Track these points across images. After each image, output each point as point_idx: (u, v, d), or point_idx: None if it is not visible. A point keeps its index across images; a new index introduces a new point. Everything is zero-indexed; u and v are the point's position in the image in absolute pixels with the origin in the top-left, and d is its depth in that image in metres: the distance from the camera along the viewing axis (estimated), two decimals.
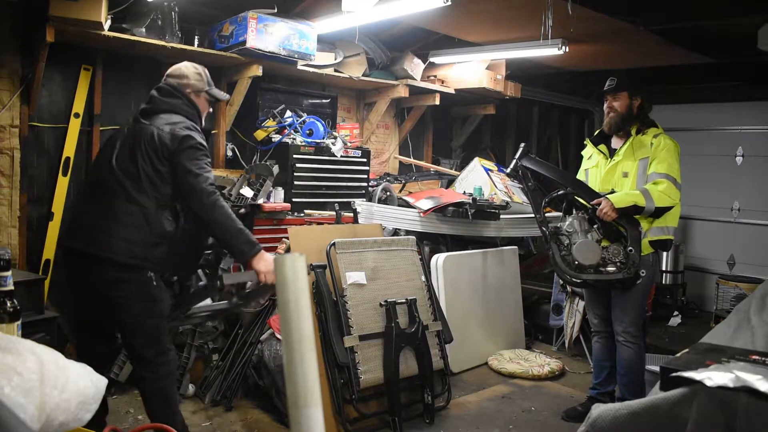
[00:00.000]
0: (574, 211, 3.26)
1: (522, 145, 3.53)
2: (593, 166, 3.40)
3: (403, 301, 3.32)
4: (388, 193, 4.59)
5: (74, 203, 3.42)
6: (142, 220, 2.39)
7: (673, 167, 3.12)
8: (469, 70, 4.95)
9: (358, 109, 5.22)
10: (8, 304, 1.29)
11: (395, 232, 4.28)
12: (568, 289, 4.37)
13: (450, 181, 5.47)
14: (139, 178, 2.40)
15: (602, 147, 3.38)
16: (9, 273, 1.31)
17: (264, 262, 2.46)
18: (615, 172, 3.26)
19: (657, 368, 2.74)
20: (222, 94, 2.80)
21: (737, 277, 5.72)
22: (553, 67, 5.39)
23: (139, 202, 2.39)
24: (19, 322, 1.31)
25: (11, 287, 1.30)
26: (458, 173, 5.41)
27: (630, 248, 3.09)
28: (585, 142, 3.52)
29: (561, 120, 7.21)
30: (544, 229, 3.27)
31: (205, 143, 2.56)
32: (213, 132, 4.31)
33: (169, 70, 2.68)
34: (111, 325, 2.57)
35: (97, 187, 2.50)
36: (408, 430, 3.16)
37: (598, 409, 1.64)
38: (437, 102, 5.11)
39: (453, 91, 5.09)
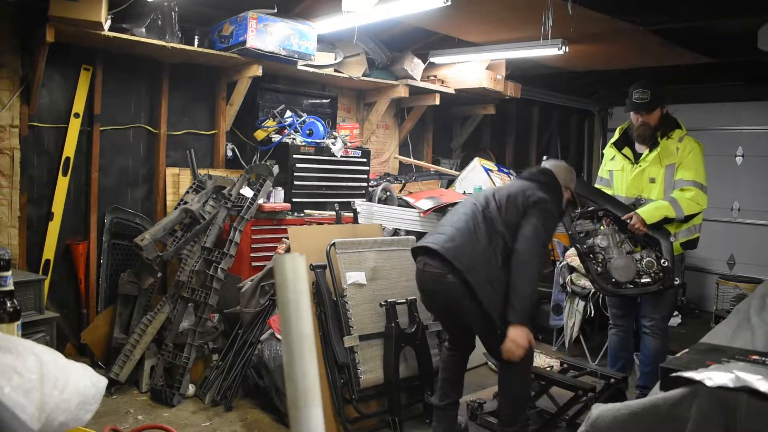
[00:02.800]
0: (603, 224, 3.26)
1: (545, 159, 3.60)
2: (618, 170, 3.39)
3: (403, 301, 3.32)
4: (388, 193, 4.59)
5: None
6: None
7: (700, 171, 3.14)
8: (469, 70, 4.95)
9: (358, 109, 5.22)
10: (8, 304, 1.29)
11: (395, 232, 4.27)
12: (568, 289, 4.37)
13: (450, 181, 5.47)
14: None
15: (627, 151, 3.35)
16: (9, 273, 1.31)
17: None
18: (642, 178, 3.25)
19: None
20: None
21: (737, 277, 5.72)
22: (553, 67, 5.38)
23: None
24: (19, 322, 1.31)
25: (11, 287, 1.30)
26: (458, 173, 5.41)
27: (664, 260, 3.09)
28: (607, 147, 3.50)
29: (561, 120, 7.21)
30: (578, 246, 3.29)
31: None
32: (213, 132, 4.32)
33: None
34: None
35: None
36: (408, 430, 3.15)
37: (598, 409, 1.64)
38: (437, 102, 5.11)
39: (453, 91, 5.09)
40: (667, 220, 3.11)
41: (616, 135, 3.47)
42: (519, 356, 2.51)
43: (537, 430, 3.07)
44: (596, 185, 3.55)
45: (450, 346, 2.98)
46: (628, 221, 3.13)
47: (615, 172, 3.41)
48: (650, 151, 3.21)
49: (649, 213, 3.10)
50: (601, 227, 3.27)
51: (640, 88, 3.25)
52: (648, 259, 3.14)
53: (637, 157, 3.31)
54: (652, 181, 3.22)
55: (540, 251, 2.64)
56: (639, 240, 3.18)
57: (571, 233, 3.34)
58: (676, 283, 3.12)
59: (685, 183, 3.12)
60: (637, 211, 3.13)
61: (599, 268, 3.23)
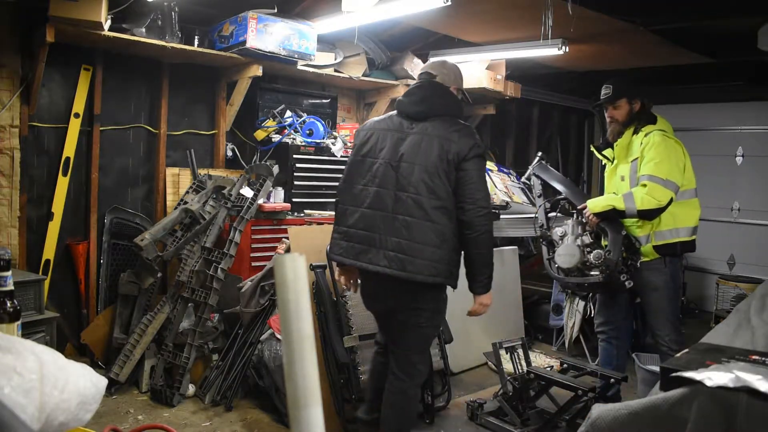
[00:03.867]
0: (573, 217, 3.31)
1: (539, 154, 3.71)
2: (606, 171, 3.43)
3: None
4: None
5: None
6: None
7: (661, 166, 2.97)
8: (469, 70, 4.94)
9: (358, 109, 5.22)
10: (8, 304, 1.29)
11: None
12: (568, 289, 4.38)
13: None
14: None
15: (607, 152, 3.35)
16: (9, 273, 1.31)
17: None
18: (616, 175, 3.26)
19: (657, 368, 2.74)
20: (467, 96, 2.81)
21: (737, 277, 5.72)
22: (553, 67, 5.38)
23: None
24: (19, 322, 1.31)
25: (11, 287, 1.30)
26: None
27: (608, 251, 3.07)
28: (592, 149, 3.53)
29: (561, 120, 7.21)
30: (541, 234, 3.39)
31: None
32: (213, 132, 4.32)
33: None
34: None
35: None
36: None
37: (598, 409, 1.64)
38: None
39: None
40: (622, 216, 3.07)
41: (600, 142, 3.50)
42: (485, 312, 2.57)
43: (537, 430, 3.07)
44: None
45: (383, 350, 2.76)
46: (583, 210, 3.18)
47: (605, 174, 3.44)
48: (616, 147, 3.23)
49: (596, 202, 3.12)
50: (566, 219, 3.35)
51: (605, 85, 3.29)
52: (597, 250, 3.14)
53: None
54: (623, 179, 3.19)
55: (490, 208, 2.47)
56: (601, 232, 3.20)
57: (537, 216, 3.44)
58: (625, 281, 3.06)
59: (642, 178, 3.03)
60: (588, 201, 3.17)
61: (550, 254, 3.33)
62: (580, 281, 3.23)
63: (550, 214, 3.50)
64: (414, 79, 4.79)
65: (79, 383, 1.01)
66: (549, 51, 4.12)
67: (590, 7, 3.44)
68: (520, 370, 3.30)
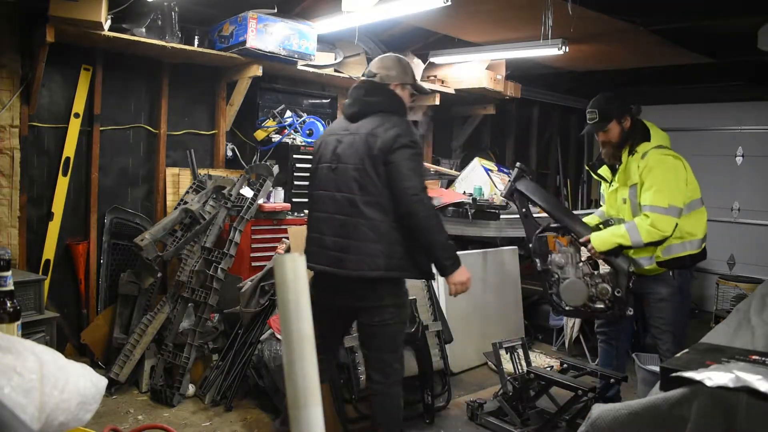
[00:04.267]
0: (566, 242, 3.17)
1: (517, 165, 3.37)
2: (603, 189, 3.30)
3: None
4: None
5: None
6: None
7: (661, 194, 2.84)
8: (469, 70, 4.95)
9: None
10: (8, 304, 1.29)
11: None
12: None
13: (450, 181, 5.47)
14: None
15: (604, 171, 3.23)
16: (9, 273, 1.31)
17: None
18: (616, 198, 3.12)
19: (657, 368, 2.74)
20: (425, 88, 2.80)
21: (737, 277, 5.72)
22: (553, 67, 5.38)
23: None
24: (19, 322, 1.31)
25: (11, 287, 1.30)
26: (458, 173, 5.41)
27: (618, 290, 2.99)
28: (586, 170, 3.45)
29: (561, 120, 7.21)
30: (537, 261, 3.20)
31: (417, 141, 2.54)
32: (213, 132, 4.32)
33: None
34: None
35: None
36: (408, 430, 3.15)
37: (598, 409, 1.64)
38: (437, 102, 5.10)
39: (453, 91, 5.08)
40: (628, 249, 2.94)
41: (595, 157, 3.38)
42: (468, 289, 2.53)
43: (537, 430, 3.07)
44: (603, 203, 3.43)
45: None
46: (586, 245, 3.02)
47: (606, 190, 3.29)
48: (618, 170, 3.07)
49: (603, 239, 2.95)
50: (563, 245, 3.17)
51: (588, 108, 3.09)
52: (603, 285, 3.03)
53: (614, 174, 3.16)
54: (624, 201, 3.05)
55: (427, 196, 2.43)
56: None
57: (531, 246, 3.23)
58: (629, 313, 3.01)
59: (643, 208, 2.89)
60: (592, 235, 2.99)
61: (553, 288, 3.15)
62: (590, 317, 3.18)
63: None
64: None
65: (79, 383, 1.01)
66: (549, 51, 4.12)
67: (590, 7, 3.44)
68: (520, 370, 3.30)
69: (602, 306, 3.05)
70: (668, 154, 2.95)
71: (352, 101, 2.62)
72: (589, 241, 3.00)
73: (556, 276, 3.16)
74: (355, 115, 2.57)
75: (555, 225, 3.20)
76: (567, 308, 3.16)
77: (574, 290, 3.08)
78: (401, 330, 2.62)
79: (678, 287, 3.03)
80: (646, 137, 3.01)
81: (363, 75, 2.71)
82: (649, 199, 2.87)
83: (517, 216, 4.69)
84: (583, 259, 3.12)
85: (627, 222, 2.98)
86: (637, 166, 2.94)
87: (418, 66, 4.80)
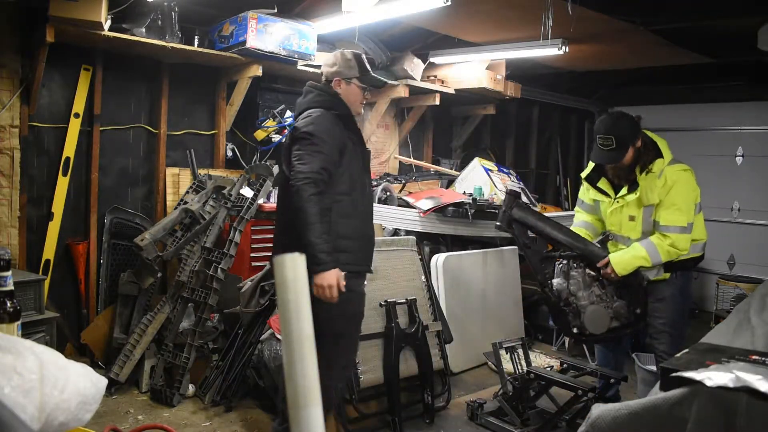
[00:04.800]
0: (571, 264, 3.06)
1: (508, 191, 3.20)
2: (600, 200, 3.14)
3: (403, 301, 3.32)
4: (388, 193, 4.59)
5: None
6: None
7: (681, 211, 2.80)
8: (469, 70, 4.95)
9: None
10: (8, 304, 1.29)
11: (395, 232, 4.27)
12: None
13: (450, 181, 5.47)
14: None
15: (603, 184, 3.08)
16: (9, 273, 1.31)
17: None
18: (621, 215, 3.01)
19: (655, 368, 2.74)
20: (376, 81, 2.76)
21: (737, 277, 5.72)
22: (553, 67, 5.39)
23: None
24: (19, 322, 1.31)
25: (11, 287, 1.30)
26: (458, 173, 5.41)
27: (638, 309, 2.97)
28: (582, 183, 3.19)
29: (561, 120, 7.22)
30: (549, 293, 3.04)
31: (313, 132, 2.43)
32: (213, 132, 4.32)
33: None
34: None
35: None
36: (408, 430, 3.16)
37: (598, 409, 1.64)
38: (437, 102, 5.11)
39: (453, 91, 5.09)
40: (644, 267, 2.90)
41: (589, 168, 3.15)
42: (334, 296, 2.35)
43: (537, 430, 3.07)
44: (577, 208, 3.34)
45: None
46: (603, 268, 2.93)
47: (600, 203, 3.16)
48: (629, 191, 2.92)
49: (625, 263, 2.88)
50: (572, 270, 3.04)
51: (603, 134, 2.85)
52: (618, 303, 3.00)
53: (615, 188, 3.04)
54: (632, 219, 2.96)
55: (307, 186, 2.34)
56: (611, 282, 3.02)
57: (540, 279, 3.09)
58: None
59: (663, 228, 2.83)
60: (611, 258, 2.91)
61: (575, 320, 3.00)
62: (612, 336, 3.08)
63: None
64: (414, 78, 4.81)
65: (79, 383, 1.01)
66: (549, 51, 4.12)
67: (590, 7, 3.44)
68: (520, 370, 3.30)
69: (618, 324, 3.01)
70: (684, 169, 2.89)
71: (298, 103, 2.68)
72: (608, 263, 2.93)
73: (573, 305, 3.00)
74: (295, 118, 2.66)
75: (565, 254, 3.05)
76: (589, 336, 3.05)
77: (598, 318, 2.99)
78: (340, 325, 2.51)
79: (679, 288, 3.02)
80: (658, 153, 2.90)
81: None
82: (668, 218, 2.82)
83: None
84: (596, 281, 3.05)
85: (643, 242, 2.90)
86: (656, 185, 2.84)
87: (418, 66, 4.81)
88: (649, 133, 2.98)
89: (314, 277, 2.34)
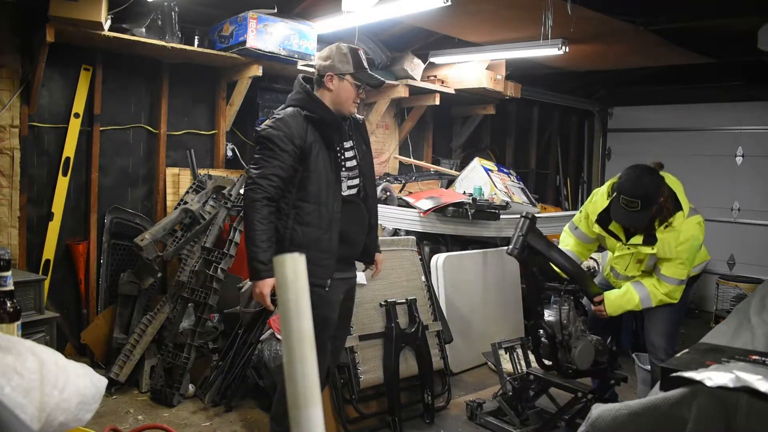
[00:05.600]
0: (563, 299, 3.03)
1: (524, 214, 2.99)
2: (606, 237, 3.03)
3: (403, 301, 3.33)
4: (388, 193, 4.59)
5: None
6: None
7: (685, 265, 2.79)
8: (469, 70, 4.95)
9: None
10: (8, 304, 1.29)
11: (395, 232, 4.27)
12: None
13: (450, 181, 5.47)
14: None
15: (615, 228, 2.96)
16: (9, 273, 1.31)
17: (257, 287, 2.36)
18: (630, 258, 2.93)
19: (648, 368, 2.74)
20: (372, 78, 2.58)
21: (737, 277, 5.72)
22: (553, 67, 5.39)
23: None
24: (19, 322, 1.31)
25: (11, 287, 1.30)
26: (458, 173, 5.41)
27: (613, 347, 3.06)
28: (592, 219, 3.01)
29: (561, 120, 7.22)
30: (546, 327, 3.00)
31: (269, 137, 2.37)
32: (213, 132, 4.32)
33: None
34: None
35: None
36: (408, 430, 3.16)
37: (598, 409, 1.64)
38: (437, 102, 5.11)
39: (453, 91, 5.09)
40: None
41: (599, 207, 2.95)
42: (268, 305, 2.38)
43: (536, 430, 3.07)
44: (567, 230, 3.28)
45: None
46: (595, 304, 2.99)
47: (605, 238, 3.05)
48: (644, 243, 2.82)
49: (616, 306, 2.93)
50: (562, 305, 3.02)
51: (629, 195, 2.68)
52: (597, 339, 3.03)
53: (626, 232, 2.93)
54: (639, 262, 2.92)
55: (256, 188, 2.31)
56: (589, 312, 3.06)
57: (536, 312, 3.05)
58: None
59: (663, 277, 2.83)
60: (606, 297, 2.95)
61: (560, 354, 2.98)
62: (591, 374, 3.13)
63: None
64: (414, 78, 4.81)
65: (79, 383, 1.01)
66: (549, 51, 4.12)
67: (590, 7, 3.44)
68: (520, 371, 3.30)
69: (599, 359, 3.05)
70: (698, 223, 2.81)
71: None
72: (602, 301, 2.97)
73: (560, 338, 2.98)
74: None
75: (570, 287, 3.01)
76: (576, 371, 3.03)
77: (587, 354, 2.99)
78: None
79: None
80: (676, 203, 2.79)
81: None
82: (671, 271, 2.81)
83: (517, 216, 4.71)
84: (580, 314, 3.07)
85: (638, 287, 2.91)
86: (674, 242, 2.75)
87: (418, 66, 4.81)
88: (664, 174, 2.85)
89: (253, 283, 2.36)
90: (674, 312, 2.97)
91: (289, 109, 2.46)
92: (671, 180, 2.85)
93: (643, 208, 2.68)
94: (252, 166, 2.39)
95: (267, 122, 2.43)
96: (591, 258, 3.23)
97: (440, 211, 4.23)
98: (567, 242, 3.27)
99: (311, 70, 4.20)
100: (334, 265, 2.44)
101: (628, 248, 2.89)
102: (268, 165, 2.34)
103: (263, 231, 2.31)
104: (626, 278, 3.01)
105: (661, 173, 2.84)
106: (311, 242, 2.37)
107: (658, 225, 2.77)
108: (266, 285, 2.31)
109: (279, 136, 2.35)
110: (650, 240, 2.80)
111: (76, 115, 3.64)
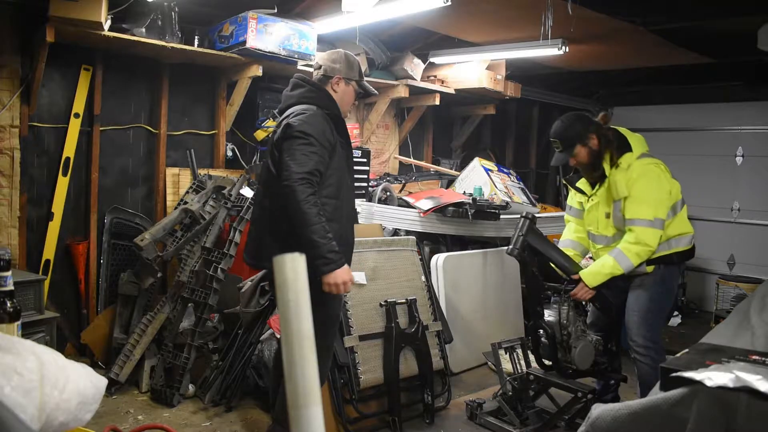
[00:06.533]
0: (562, 299, 3.03)
1: (524, 214, 3.05)
2: (583, 202, 3.16)
3: (403, 301, 3.32)
4: (388, 193, 4.59)
5: None
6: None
7: (647, 204, 2.80)
8: (469, 70, 4.95)
9: (358, 109, 5.22)
10: (8, 304, 1.29)
11: (395, 232, 4.27)
12: None
13: (450, 181, 5.47)
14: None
15: (582, 185, 3.12)
16: (9, 273, 1.31)
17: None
18: (597, 213, 3.03)
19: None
20: (370, 89, 2.75)
21: (737, 277, 5.72)
22: (553, 67, 5.39)
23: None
24: (19, 322, 1.31)
25: (11, 287, 1.30)
26: (458, 173, 5.41)
27: (613, 347, 3.04)
28: (563, 183, 3.26)
29: None
30: (546, 327, 3.00)
31: (309, 132, 2.39)
32: (213, 132, 4.32)
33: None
34: None
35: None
36: (408, 430, 3.15)
37: (598, 409, 1.64)
38: (437, 102, 5.11)
39: (453, 91, 5.09)
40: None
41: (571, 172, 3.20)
42: (348, 290, 2.40)
43: (536, 430, 3.07)
44: (566, 214, 3.36)
45: None
46: (577, 282, 2.94)
47: (583, 202, 3.17)
48: (600, 186, 2.97)
49: (593, 275, 2.90)
50: (562, 305, 3.02)
51: (551, 137, 3.02)
52: (597, 338, 3.02)
53: (593, 188, 3.06)
54: (607, 216, 2.97)
55: (301, 187, 2.30)
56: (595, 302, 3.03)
57: (535, 313, 3.06)
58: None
59: (628, 221, 2.84)
60: (581, 273, 2.92)
61: (560, 354, 2.99)
62: (590, 374, 3.11)
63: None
64: (414, 78, 4.81)
65: (79, 383, 1.01)
66: (549, 51, 4.12)
67: (590, 7, 3.44)
68: (520, 371, 3.30)
69: (599, 359, 3.03)
70: (651, 163, 2.90)
71: (281, 98, 2.66)
72: (580, 278, 2.93)
73: (559, 338, 2.98)
74: (281, 111, 2.62)
75: (570, 286, 3.00)
76: (576, 371, 3.04)
77: (587, 354, 2.99)
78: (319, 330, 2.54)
79: (660, 277, 2.95)
80: (627, 147, 2.92)
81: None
82: (634, 212, 2.83)
83: (517, 216, 4.71)
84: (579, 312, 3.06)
85: (611, 252, 2.90)
86: (623, 179, 2.86)
87: (418, 66, 4.81)
88: (623, 130, 3.00)
89: (325, 276, 2.33)
90: (653, 294, 2.92)
91: (309, 107, 2.49)
92: (628, 133, 3.00)
93: (564, 148, 2.96)
94: (291, 161, 2.35)
95: (300, 117, 2.43)
96: (591, 258, 3.21)
97: (440, 211, 4.23)
98: (567, 232, 3.36)
99: (311, 70, 4.22)
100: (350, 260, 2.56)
101: (592, 199, 3.04)
102: (310, 160, 2.35)
103: (323, 224, 2.32)
104: (604, 241, 3.03)
105: (614, 126, 3.02)
106: (337, 238, 2.42)
107: (609, 167, 2.91)
108: (345, 272, 2.36)
109: (317, 132, 2.40)
110: (602, 181, 2.97)
111: (76, 115, 3.64)
